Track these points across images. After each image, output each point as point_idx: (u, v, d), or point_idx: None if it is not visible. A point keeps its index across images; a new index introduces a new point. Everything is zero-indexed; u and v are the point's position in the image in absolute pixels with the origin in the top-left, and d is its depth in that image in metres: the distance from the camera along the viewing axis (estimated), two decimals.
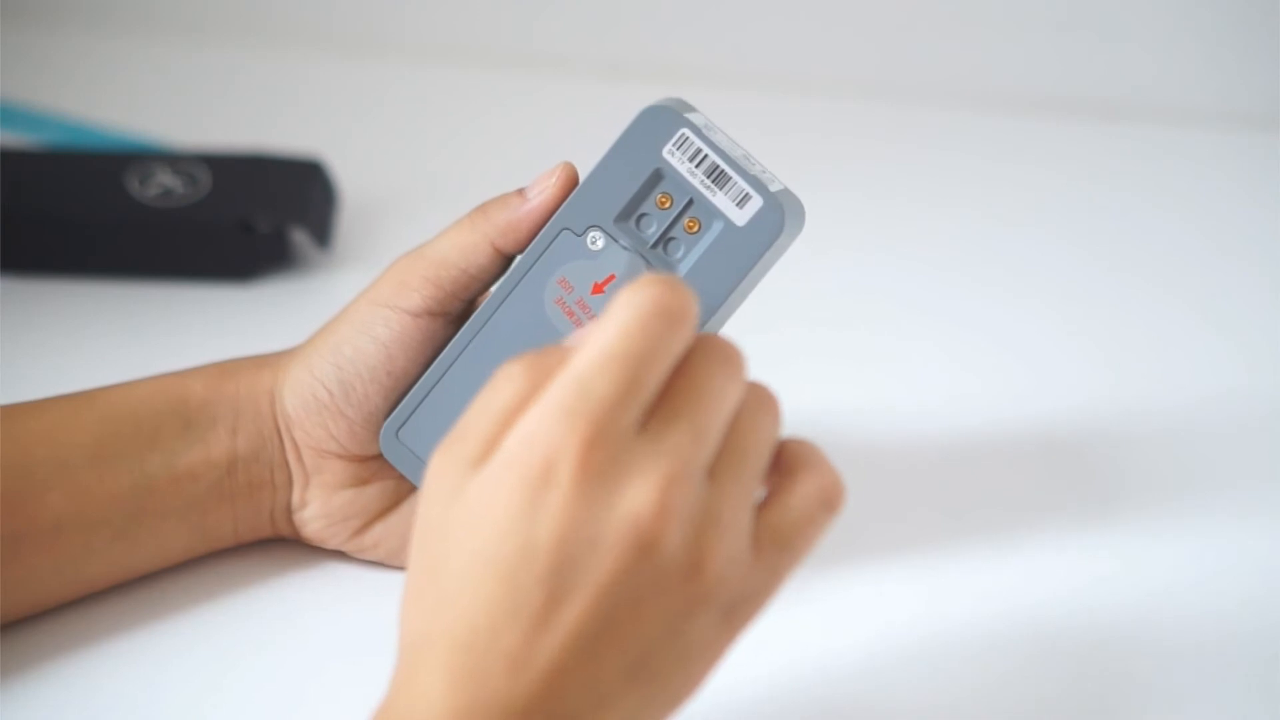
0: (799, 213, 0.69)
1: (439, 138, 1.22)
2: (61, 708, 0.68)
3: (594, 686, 0.54)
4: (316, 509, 0.74)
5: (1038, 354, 0.95)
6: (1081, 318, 0.99)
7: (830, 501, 0.58)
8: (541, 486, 0.54)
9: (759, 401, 0.57)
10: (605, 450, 0.54)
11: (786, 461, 0.58)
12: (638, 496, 0.54)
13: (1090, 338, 0.97)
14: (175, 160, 1.05)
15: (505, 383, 0.56)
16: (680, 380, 0.56)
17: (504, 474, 0.54)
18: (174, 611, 0.73)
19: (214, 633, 0.72)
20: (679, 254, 0.70)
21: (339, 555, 0.75)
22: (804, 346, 0.94)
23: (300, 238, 1.03)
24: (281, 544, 0.76)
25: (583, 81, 1.28)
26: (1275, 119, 1.22)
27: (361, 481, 0.74)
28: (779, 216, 0.68)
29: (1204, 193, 1.15)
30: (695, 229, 0.70)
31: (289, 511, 0.74)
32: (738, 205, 0.69)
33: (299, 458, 0.73)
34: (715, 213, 0.69)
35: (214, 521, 0.73)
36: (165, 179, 1.03)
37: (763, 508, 0.57)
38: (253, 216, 1.02)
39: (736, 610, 0.56)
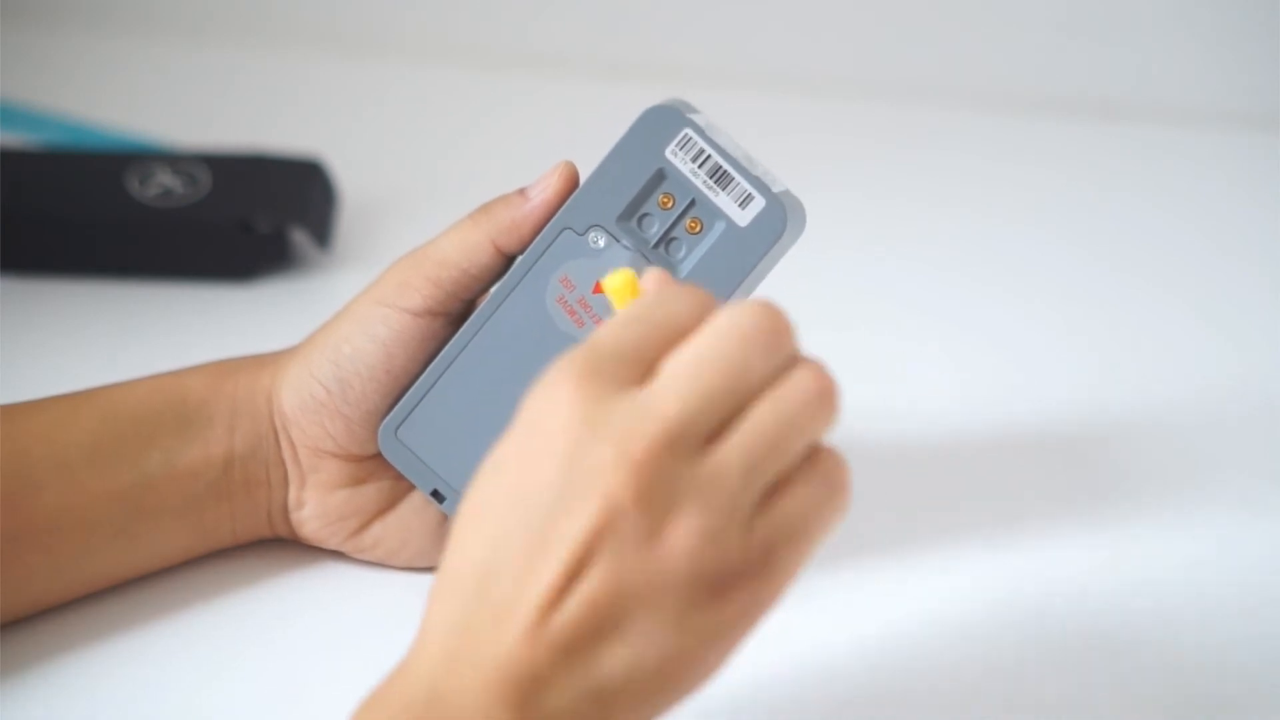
0: (800, 214, 0.69)
1: (439, 138, 1.22)
2: (61, 708, 0.68)
3: (570, 649, 0.53)
4: (313, 509, 0.74)
5: (1037, 353, 0.95)
6: (1081, 317, 0.99)
7: (838, 502, 0.56)
8: (535, 435, 0.54)
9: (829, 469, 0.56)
10: (592, 399, 0.53)
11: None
12: (609, 454, 0.53)
13: (1090, 337, 0.97)
14: (175, 160, 1.05)
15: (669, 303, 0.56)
16: (770, 409, 0.55)
17: (513, 431, 0.55)
18: (173, 611, 0.73)
19: (213, 633, 0.72)
20: (681, 254, 0.70)
21: (337, 555, 0.75)
22: (804, 346, 0.94)
23: (300, 238, 1.03)
24: (280, 544, 0.75)
25: (583, 81, 1.28)
26: (1275, 119, 1.22)
27: (358, 481, 0.74)
28: (781, 217, 0.69)
29: (1204, 193, 1.15)
30: (697, 229, 0.70)
31: (286, 511, 0.74)
32: (740, 206, 0.69)
33: (295, 457, 0.73)
34: (717, 213, 0.69)
35: (212, 520, 0.73)
36: (165, 179, 1.03)
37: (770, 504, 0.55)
38: (253, 217, 1.02)
39: (709, 597, 0.54)
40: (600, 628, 0.53)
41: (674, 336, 0.55)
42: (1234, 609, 0.73)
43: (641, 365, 0.55)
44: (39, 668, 0.69)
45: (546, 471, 0.54)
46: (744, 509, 0.54)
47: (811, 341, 0.96)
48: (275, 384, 0.73)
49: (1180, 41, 1.23)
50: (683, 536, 0.53)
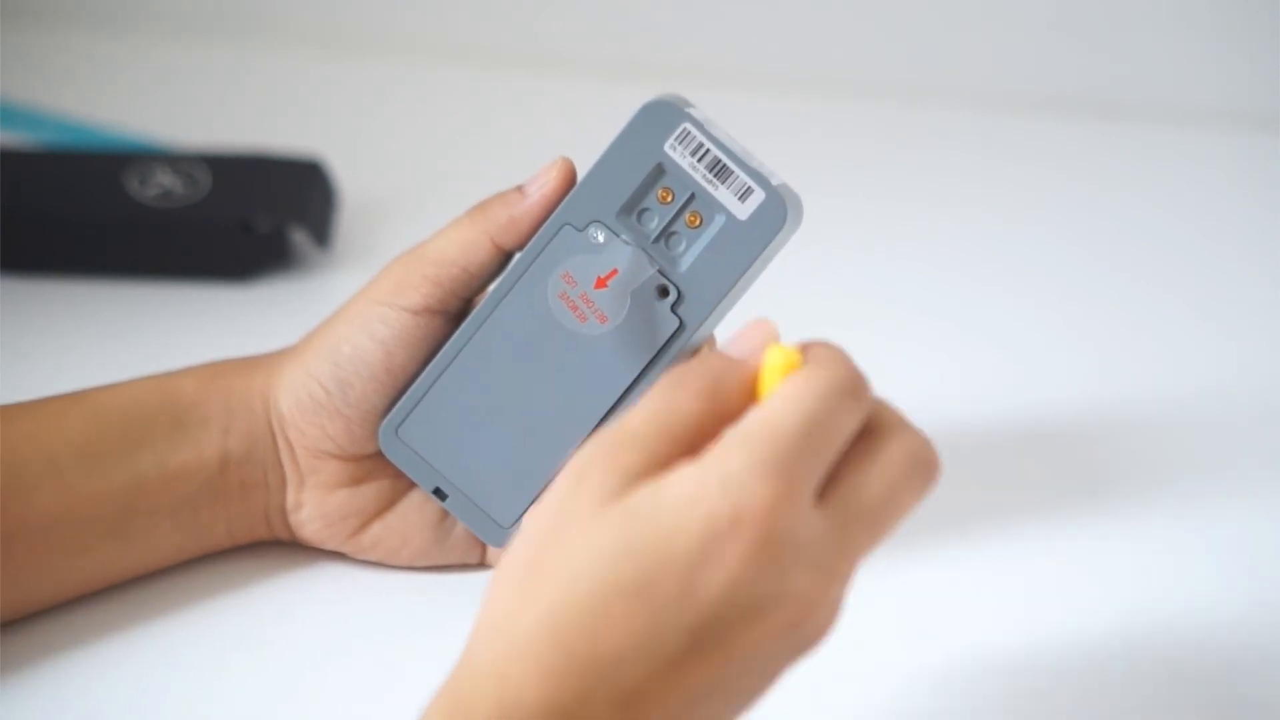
0: (798, 207, 0.69)
1: (439, 138, 1.22)
2: (58, 709, 0.68)
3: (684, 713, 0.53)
4: (312, 510, 0.74)
5: (1037, 353, 0.95)
6: (1081, 317, 0.99)
7: (922, 467, 0.56)
8: (727, 535, 0.52)
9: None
10: (791, 518, 0.52)
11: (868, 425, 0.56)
12: (809, 584, 0.53)
13: (1090, 336, 0.97)
14: (175, 160, 1.05)
15: (682, 396, 0.55)
16: (869, 465, 0.55)
17: (688, 507, 0.52)
18: (173, 612, 0.73)
19: (213, 633, 0.72)
20: (681, 248, 0.70)
21: (338, 555, 0.75)
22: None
23: (300, 238, 1.03)
24: (279, 545, 0.75)
25: (583, 81, 1.28)
26: (1275, 119, 1.22)
27: (357, 481, 0.74)
28: (781, 210, 0.69)
29: (1203, 193, 1.15)
30: (697, 223, 0.70)
31: (284, 513, 0.74)
32: (740, 199, 0.69)
33: (293, 458, 0.73)
34: (717, 206, 0.69)
35: (206, 522, 0.73)
36: (165, 179, 1.03)
37: (840, 480, 0.55)
38: (252, 217, 1.02)
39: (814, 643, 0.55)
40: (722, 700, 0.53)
41: (846, 441, 0.55)
42: (1234, 608, 0.73)
43: (824, 474, 0.54)
44: (34, 669, 0.69)
45: (727, 582, 0.52)
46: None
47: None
48: (271, 385, 0.73)
49: (1180, 41, 1.23)
50: (820, 628, 0.54)
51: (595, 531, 0.53)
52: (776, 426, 0.53)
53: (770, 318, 0.87)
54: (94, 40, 1.32)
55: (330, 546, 0.75)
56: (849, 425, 0.54)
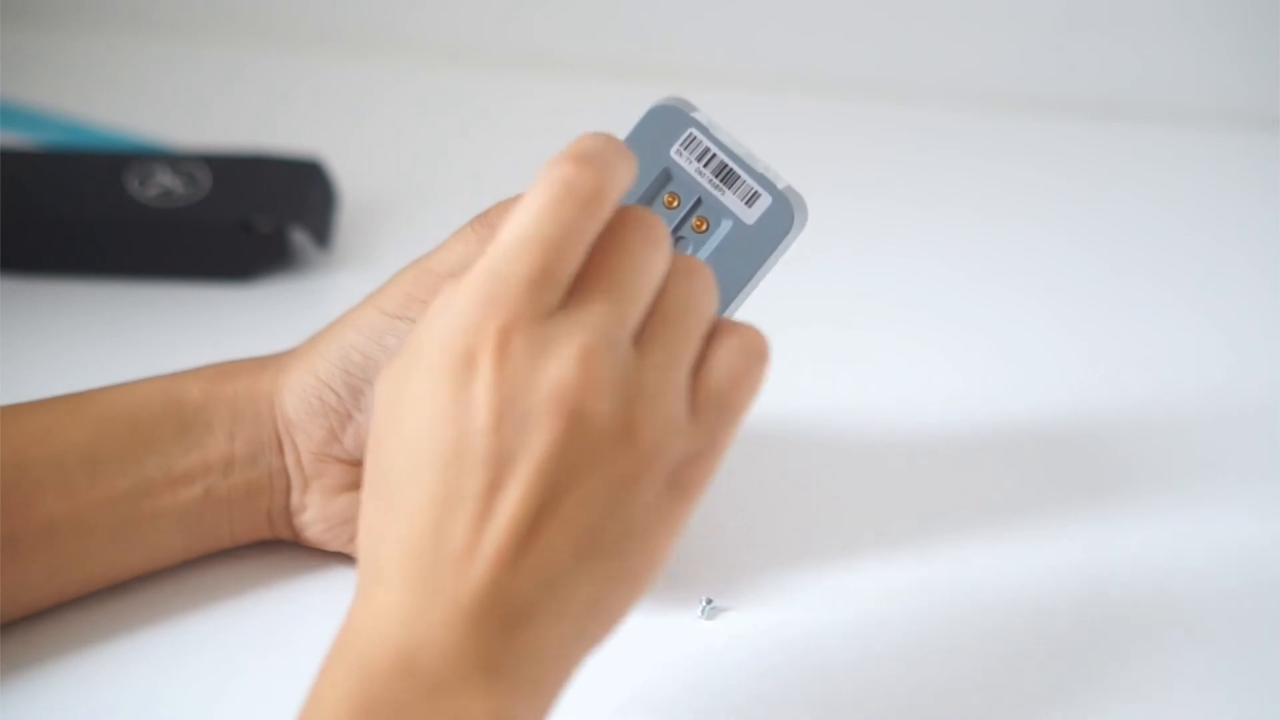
0: (803, 209, 0.69)
1: (439, 138, 1.22)
2: (61, 709, 0.68)
3: (543, 569, 0.54)
4: (316, 512, 0.74)
5: (1037, 353, 0.95)
6: (1080, 317, 0.99)
7: (757, 352, 0.58)
8: (465, 375, 0.54)
9: (687, 270, 0.58)
10: (522, 331, 0.54)
11: (710, 329, 0.58)
12: (560, 369, 0.54)
13: (1089, 336, 0.97)
14: (175, 160, 1.05)
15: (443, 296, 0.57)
16: (599, 255, 0.57)
17: (430, 370, 0.55)
18: (175, 612, 0.73)
19: (215, 634, 0.72)
20: (688, 253, 0.70)
21: (341, 557, 0.75)
22: (803, 346, 0.94)
23: (300, 238, 1.03)
24: (282, 544, 0.75)
25: (583, 82, 1.28)
26: (1275, 119, 1.22)
27: (361, 485, 0.74)
28: (789, 214, 0.69)
29: (1203, 193, 1.14)
30: (704, 228, 0.69)
31: (288, 514, 0.74)
32: (746, 204, 0.69)
33: (299, 461, 0.73)
34: (724, 211, 0.69)
35: (210, 524, 0.73)
36: (165, 179, 1.03)
37: (694, 373, 0.57)
38: (252, 217, 1.02)
39: (682, 476, 0.56)
40: (566, 533, 0.54)
41: (582, 250, 0.57)
42: (1235, 608, 0.73)
43: (559, 289, 0.56)
44: (39, 668, 0.69)
45: (488, 412, 0.54)
46: (684, 395, 0.56)
47: (811, 340, 0.96)
48: (277, 388, 0.73)
49: (1180, 41, 1.23)
50: (649, 429, 0.55)
51: (388, 433, 0.56)
52: (488, 257, 0.56)
53: (768, 318, 0.87)
54: (94, 40, 1.32)
55: (333, 548, 0.75)
56: (574, 228, 0.56)
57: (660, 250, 0.58)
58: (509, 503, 0.54)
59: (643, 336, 0.57)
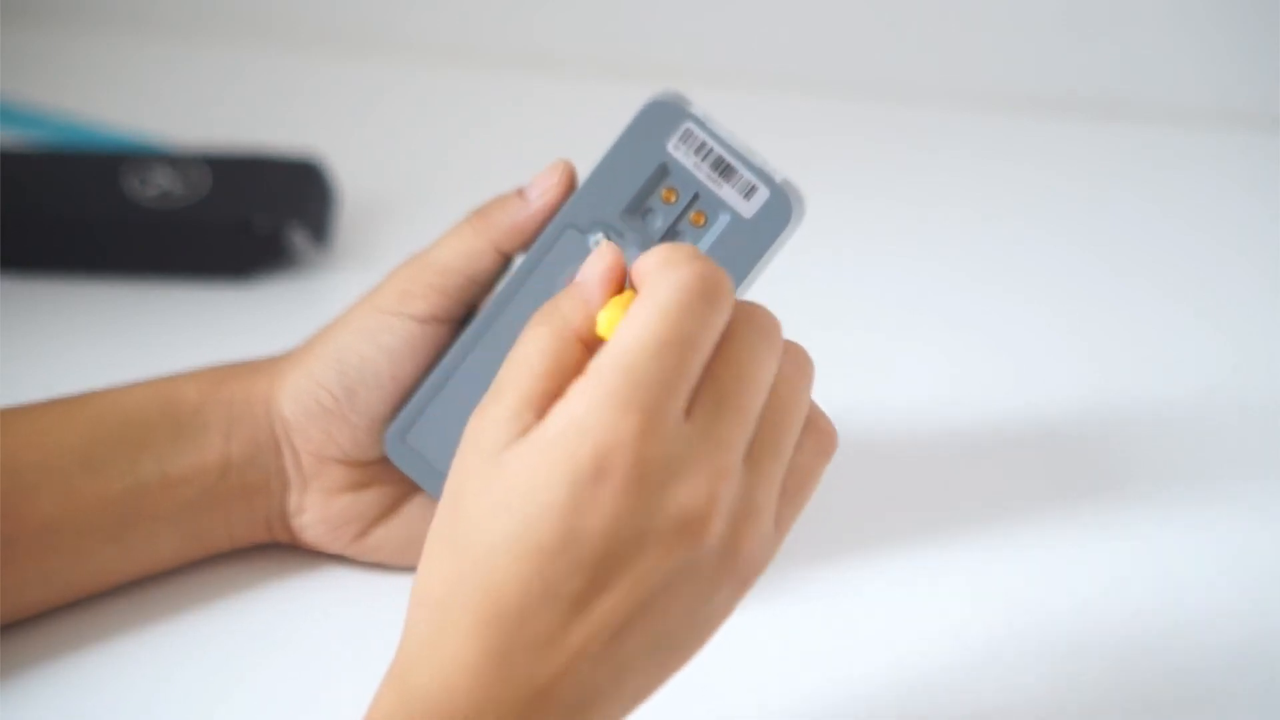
0: (801, 202, 0.69)
1: (439, 138, 1.22)
2: (59, 711, 0.68)
3: (617, 665, 0.54)
4: (315, 514, 0.74)
5: (1037, 353, 0.95)
6: (1080, 317, 0.99)
7: (828, 449, 0.58)
8: (593, 478, 0.53)
9: (797, 369, 0.57)
10: (658, 444, 0.53)
11: None
12: (689, 494, 0.54)
13: (1089, 336, 0.97)
14: (174, 160, 1.05)
15: (541, 339, 0.56)
16: (722, 360, 0.55)
17: (550, 456, 0.53)
18: (175, 615, 0.73)
19: (215, 636, 0.72)
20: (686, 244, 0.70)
21: (340, 558, 0.75)
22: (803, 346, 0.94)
23: (299, 238, 1.03)
24: (281, 547, 0.75)
25: (583, 81, 1.28)
26: (1275, 119, 1.22)
27: (361, 486, 0.74)
28: (786, 207, 0.68)
29: (1203, 193, 1.14)
30: (701, 222, 0.69)
31: (286, 517, 0.74)
32: (744, 197, 0.69)
33: (297, 463, 0.73)
34: (722, 205, 0.69)
35: (207, 526, 0.73)
36: (164, 179, 1.03)
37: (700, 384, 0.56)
38: (251, 216, 1.02)
39: (747, 581, 0.56)
40: (646, 637, 0.54)
41: (711, 350, 0.55)
42: (1235, 609, 0.73)
43: (691, 389, 0.55)
44: (38, 669, 0.69)
45: (609, 519, 0.53)
46: (746, 452, 0.56)
47: (811, 341, 0.96)
48: (274, 390, 0.73)
49: (1180, 41, 1.23)
50: (749, 546, 0.55)
51: (479, 491, 0.54)
52: (622, 355, 0.54)
53: None
54: (94, 40, 1.32)
55: (332, 550, 0.75)
56: (707, 330, 0.55)
57: (777, 353, 0.57)
58: (604, 609, 0.53)
59: (754, 448, 0.56)
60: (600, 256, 0.59)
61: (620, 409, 0.53)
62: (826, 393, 0.90)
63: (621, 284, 0.59)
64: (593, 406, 0.53)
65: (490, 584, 0.53)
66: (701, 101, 0.72)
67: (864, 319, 0.99)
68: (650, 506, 0.53)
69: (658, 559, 0.53)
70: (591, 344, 0.57)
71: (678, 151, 0.69)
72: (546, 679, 0.53)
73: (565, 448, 0.53)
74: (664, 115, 0.69)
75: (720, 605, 0.56)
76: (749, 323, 0.56)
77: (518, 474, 0.54)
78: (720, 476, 0.54)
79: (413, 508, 0.74)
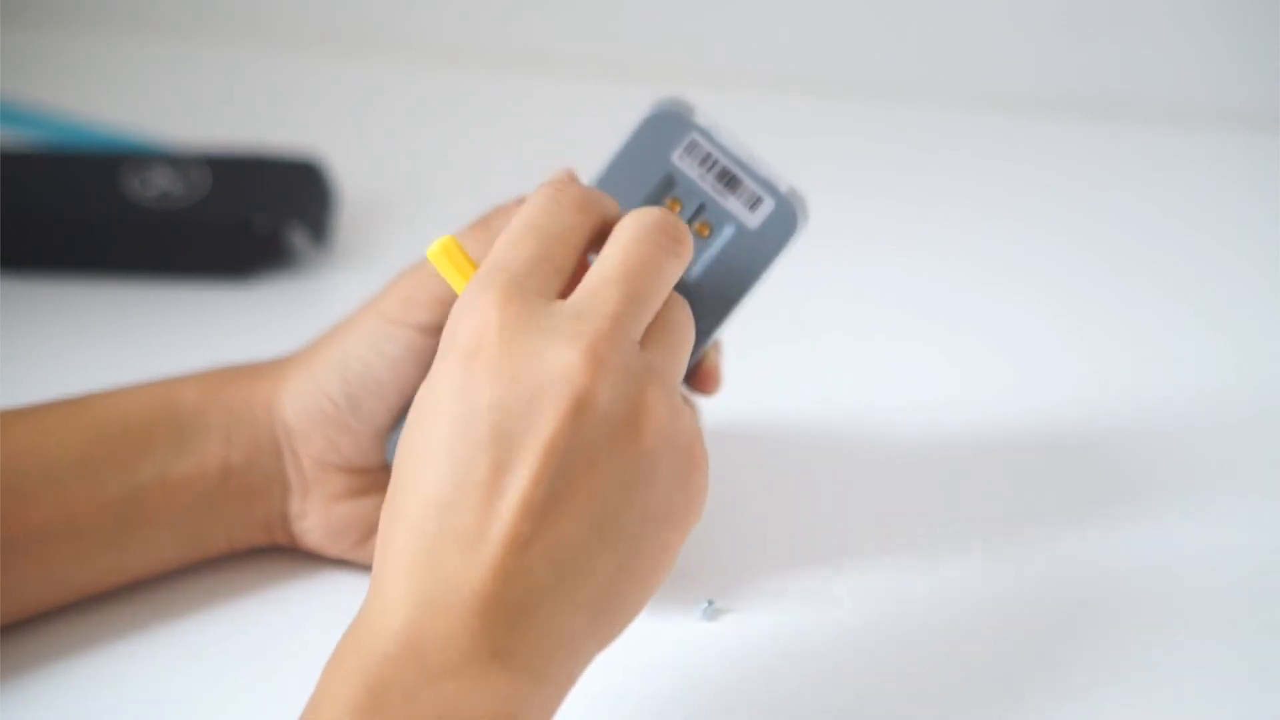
0: (805, 210, 0.69)
1: (439, 138, 1.22)
2: (59, 713, 0.68)
3: (554, 555, 0.54)
4: (316, 520, 0.74)
5: (1037, 353, 0.95)
6: (1080, 317, 0.99)
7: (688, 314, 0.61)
8: (469, 356, 0.55)
9: (669, 255, 0.60)
10: (522, 313, 0.56)
11: None
12: (562, 352, 0.55)
13: (1089, 337, 0.97)
14: (174, 160, 1.05)
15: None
16: (619, 249, 0.59)
17: (441, 361, 0.56)
18: (175, 618, 0.72)
19: (215, 640, 0.72)
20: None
21: (340, 563, 0.75)
22: (803, 347, 0.94)
23: (298, 238, 1.03)
24: (282, 550, 0.75)
25: (583, 81, 1.28)
26: (1275, 119, 1.22)
27: (362, 493, 0.74)
28: (791, 217, 0.68)
29: (1203, 193, 1.14)
30: (706, 233, 0.69)
31: (286, 521, 0.74)
32: (749, 208, 0.68)
33: (298, 468, 0.73)
34: (727, 216, 0.68)
35: (206, 530, 0.73)
36: (164, 179, 1.03)
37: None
38: (251, 217, 1.02)
39: (685, 461, 0.57)
40: (577, 520, 0.55)
41: (577, 243, 0.59)
42: (1235, 609, 0.73)
43: (558, 277, 0.58)
44: (37, 671, 0.69)
45: (492, 390, 0.55)
46: (634, 331, 0.58)
47: (811, 341, 0.96)
48: (276, 394, 0.73)
49: (1179, 40, 1.23)
50: (654, 419, 0.56)
51: (410, 431, 0.57)
52: (493, 249, 0.58)
53: (768, 319, 0.87)
54: (94, 40, 1.32)
55: (333, 554, 0.74)
56: (563, 218, 0.59)
57: (681, 264, 0.59)
58: (517, 482, 0.54)
59: (647, 338, 0.58)
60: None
61: (480, 288, 0.56)
62: (827, 393, 0.90)
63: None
64: (464, 299, 0.57)
65: (414, 494, 0.55)
66: (702, 102, 0.71)
67: (864, 319, 0.99)
68: (525, 371, 0.55)
69: (554, 422, 0.54)
70: None
71: (683, 163, 0.69)
72: (481, 577, 0.53)
73: (447, 343, 0.56)
74: (669, 125, 0.69)
75: (666, 489, 0.56)
76: (660, 224, 0.59)
77: (427, 393, 0.56)
78: (599, 338, 0.56)
79: None
